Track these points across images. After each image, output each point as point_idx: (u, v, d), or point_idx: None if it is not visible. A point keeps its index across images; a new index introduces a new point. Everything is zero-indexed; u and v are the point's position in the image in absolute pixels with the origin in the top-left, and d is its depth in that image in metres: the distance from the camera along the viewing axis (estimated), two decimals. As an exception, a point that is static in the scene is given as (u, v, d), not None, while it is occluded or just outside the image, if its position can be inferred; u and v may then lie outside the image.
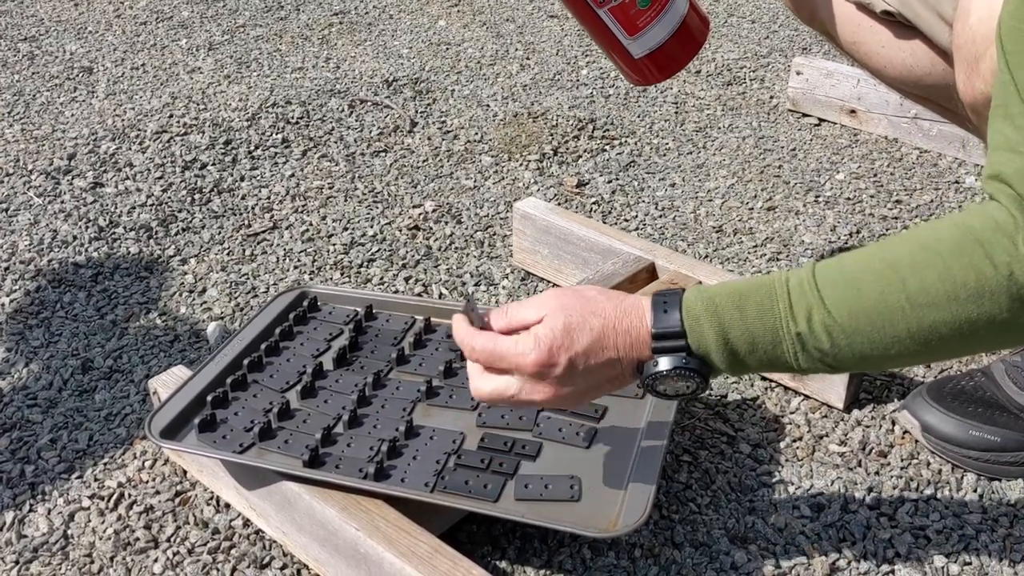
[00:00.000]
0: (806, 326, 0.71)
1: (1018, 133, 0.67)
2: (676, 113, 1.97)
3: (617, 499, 0.91)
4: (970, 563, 0.97)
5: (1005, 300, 0.68)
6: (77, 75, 2.17)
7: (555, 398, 0.78)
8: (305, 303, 1.21)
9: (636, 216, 1.61)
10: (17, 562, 0.99)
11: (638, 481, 0.92)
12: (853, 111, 1.88)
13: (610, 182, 1.71)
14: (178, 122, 1.91)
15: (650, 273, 1.28)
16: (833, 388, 1.15)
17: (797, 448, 1.11)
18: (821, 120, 1.93)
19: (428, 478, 0.93)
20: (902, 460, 1.09)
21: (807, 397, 1.18)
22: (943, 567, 0.96)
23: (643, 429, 1.00)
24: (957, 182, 1.69)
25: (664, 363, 0.75)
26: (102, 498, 1.06)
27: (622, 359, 0.77)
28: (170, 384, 1.07)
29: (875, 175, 1.73)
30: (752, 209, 1.63)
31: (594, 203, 1.65)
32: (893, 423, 1.14)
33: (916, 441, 1.11)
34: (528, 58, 2.26)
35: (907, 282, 0.69)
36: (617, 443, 0.99)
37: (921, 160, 1.77)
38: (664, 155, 1.81)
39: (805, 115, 1.95)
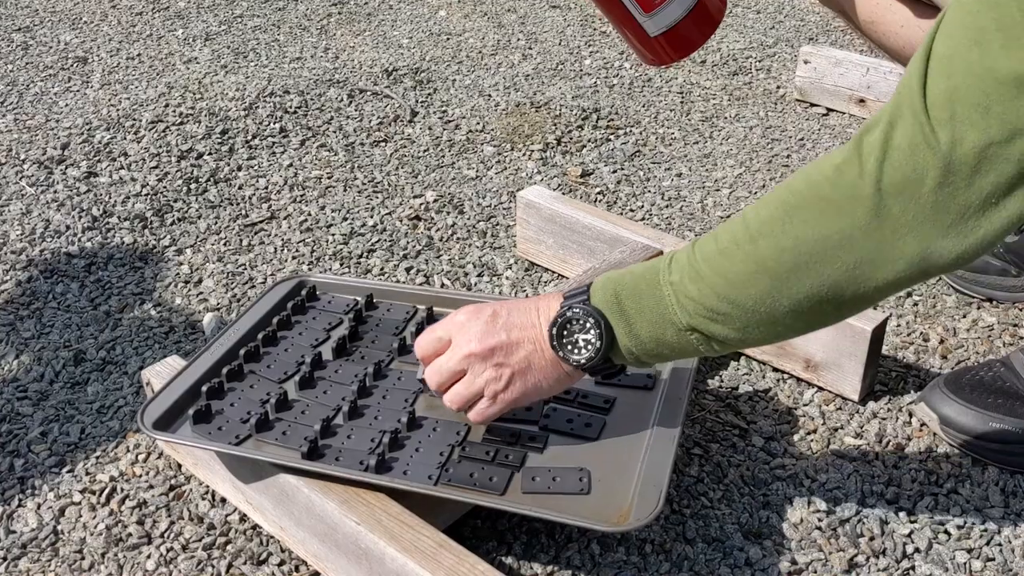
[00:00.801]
0: (679, 276, 0.79)
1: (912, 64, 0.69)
2: (682, 103, 1.94)
3: (628, 492, 0.88)
4: (993, 559, 0.94)
5: (834, 219, 0.70)
6: (72, 65, 2.14)
7: (482, 349, 0.86)
8: (304, 292, 1.18)
9: (642, 206, 1.57)
10: (5, 559, 0.95)
11: (649, 474, 0.89)
12: (862, 100, 1.85)
13: (615, 172, 1.68)
14: (174, 112, 1.87)
15: (658, 262, 1.25)
16: (847, 379, 1.12)
17: (811, 441, 1.08)
18: (829, 110, 1.90)
19: (432, 471, 0.90)
20: (920, 453, 1.06)
21: (821, 389, 1.14)
22: (965, 563, 0.93)
23: (654, 421, 0.97)
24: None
25: (565, 310, 0.85)
26: (93, 492, 1.03)
27: (540, 315, 0.87)
28: (164, 375, 1.04)
29: (885, 165, 1.69)
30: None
31: (599, 193, 1.61)
32: (910, 415, 1.11)
33: (934, 434, 1.08)
34: (530, 48, 2.22)
35: (749, 219, 0.76)
36: (627, 435, 0.95)
37: (932, 150, 1.74)
38: (670, 145, 1.78)
39: (813, 105, 1.92)
